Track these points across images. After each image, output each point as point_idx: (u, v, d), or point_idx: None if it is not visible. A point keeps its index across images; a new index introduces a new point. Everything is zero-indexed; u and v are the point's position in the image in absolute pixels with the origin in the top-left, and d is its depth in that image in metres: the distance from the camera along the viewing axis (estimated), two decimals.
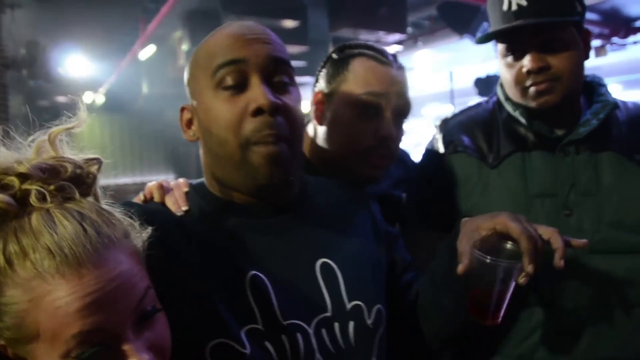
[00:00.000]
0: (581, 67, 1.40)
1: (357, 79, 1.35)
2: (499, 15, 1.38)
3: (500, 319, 1.03)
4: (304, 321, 0.98)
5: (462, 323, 1.15)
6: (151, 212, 0.99)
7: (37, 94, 8.84)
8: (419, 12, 6.84)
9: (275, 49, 1.02)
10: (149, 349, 0.75)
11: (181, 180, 1.13)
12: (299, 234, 1.06)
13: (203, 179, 1.11)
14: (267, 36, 1.02)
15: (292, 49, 7.01)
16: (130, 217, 0.84)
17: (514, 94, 1.42)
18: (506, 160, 1.45)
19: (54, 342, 0.70)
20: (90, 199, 0.83)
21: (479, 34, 5.82)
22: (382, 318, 1.08)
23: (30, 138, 0.83)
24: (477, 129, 1.52)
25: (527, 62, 1.34)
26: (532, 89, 1.36)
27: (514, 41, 1.37)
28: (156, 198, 1.08)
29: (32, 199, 0.75)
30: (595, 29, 7.26)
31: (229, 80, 0.98)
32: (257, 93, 0.97)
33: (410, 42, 7.61)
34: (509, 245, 1.03)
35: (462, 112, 1.62)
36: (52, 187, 0.77)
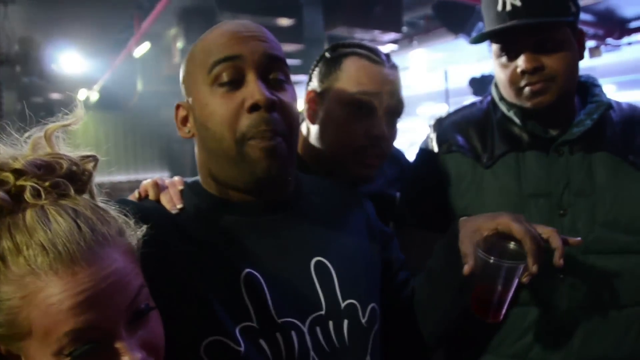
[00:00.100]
0: (575, 67, 1.41)
1: (350, 78, 1.35)
2: (493, 15, 1.38)
3: (502, 316, 1.06)
4: (299, 319, 0.98)
5: (458, 320, 1.16)
6: (146, 210, 0.99)
7: (30, 90, 8.79)
8: (414, 12, 6.84)
9: (272, 46, 1.02)
10: (142, 347, 0.75)
11: (176, 178, 1.13)
12: (293, 232, 1.06)
13: (198, 177, 1.11)
14: (263, 34, 1.03)
15: (287, 47, 7.01)
16: (125, 215, 0.84)
17: (508, 94, 1.43)
18: (500, 160, 1.45)
19: (47, 340, 0.70)
20: (86, 196, 0.83)
21: (474, 34, 5.84)
22: (376, 317, 1.08)
23: (26, 134, 0.83)
24: (472, 129, 1.52)
25: (521, 62, 1.35)
26: (526, 89, 1.36)
27: (509, 41, 1.37)
28: (151, 196, 1.08)
29: (27, 195, 0.74)
30: (589, 30, 7.29)
31: (225, 77, 0.98)
32: (254, 89, 0.97)
33: (406, 41, 7.61)
34: (511, 245, 1.05)
35: (456, 111, 1.62)
36: (47, 184, 0.76)
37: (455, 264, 1.08)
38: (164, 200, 1.06)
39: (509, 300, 1.05)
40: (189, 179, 1.13)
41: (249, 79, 0.98)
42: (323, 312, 1.01)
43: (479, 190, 1.45)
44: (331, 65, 1.39)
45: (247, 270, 0.97)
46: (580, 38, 1.41)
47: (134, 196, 1.11)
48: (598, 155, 1.40)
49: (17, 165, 0.76)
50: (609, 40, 7.66)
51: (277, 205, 1.07)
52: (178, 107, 1.08)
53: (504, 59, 1.39)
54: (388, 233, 1.28)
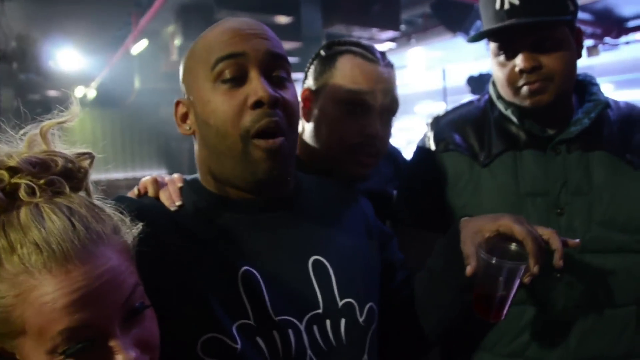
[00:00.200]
0: (574, 66, 1.40)
1: (344, 76, 1.35)
2: (491, 14, 1.38)
3: (503, 316, 1.07)
4: (296, 317, 0.98)
5: (458, 319, 1.16)
6: (144, 206, 1.00)
7: (27, 87, 8.77)
8: (413, 10, 6.83)
9: (274, 44, 1.03)
10: (137, 346, 0.75)
11: (176, 175, 1.13)
12: (292, 230, 1.06)
13: (197, 175, 1.11)
14: (265, 32, 1.03)
15: (286, 45, 6.96)
16: (121, 213, 0.83)
17: (506, 93, 1.42)
18: (498, 159, 1.45)
19: (41, 338, 0.69)
20: (82, 193, 0.82)
21: (472, 32, 5.85)
22: (374, 316, 1.09)
23: (22, 131, 0.82)
24: (469, 128, 1.52)
25: (519, 61, 1.34)
26: (524, 89, 1.36)
27: (507, 40, 1.37)
28: (150, 193, 1.08)
29: (22, 193, 0.74)
30: (587, 29, 7.29)
31: (228, 74, 0.98)
32: (257, 86, 0.97)
33: (404, 39, 7.61)
34: (513, 246, 1.06)
35: (453, 110, 1.62)
36: (42, 182, 0.76)
37: (456, 264, 1.08)
38: (163, 197, 1.06)
39: (510, 301, 1.06)
40: (189, 177, 1.13)
41: (252, 77, 0.99)
42: (320, 311, 1.01)
43: (476, 189, 1.45)
44: (326, 63, 1.39)
45: (245, 267, 0.97)
46: (578, 37, 1.41)
47: (133, 193, 1.11)
48: (595, 154, 1.40)
49: (12, 162, 0.76)
50: (607, 39, 7.66)
51: (276, 203, 1.07)
52: (178, 103, 1.08)
53: (501, 57, 1.39)
54: (387, 233, 1.28)
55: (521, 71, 1.35)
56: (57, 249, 0.70)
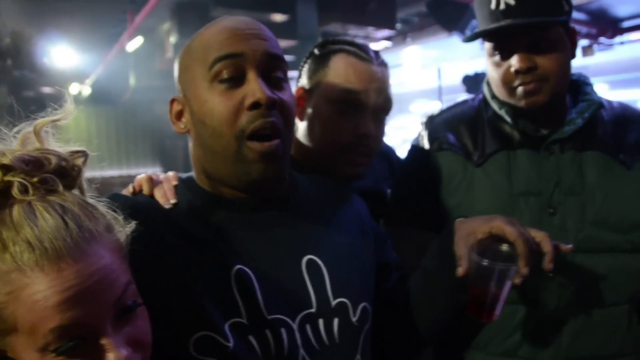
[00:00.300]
0: (568, 66, 1.41)
1: (337, 75, 1.35)
2: (486, 13, 1.38)
3: (495, 316, 1.08)
4: (289, 316, 0.98)
5: (452, 318, 1.17)
6: (139, 204, 1.00)
7: (22, 84, 8.74)
8: (408, 8, 6.84)
9: (272, 45, 1.03)
10: (129, 344, 0.75)
11: (171, 173, 1.13)
12: (286, 230, 1.06)
13: (192, 173, 1.11)
14: (263, 32, 1.03)
15: (281, 43, 6.94)
16: (114, 211, 0.83)
17: (501, 93, 1.42)
18: (491, 158, 1.45)
19: (32, 336, 0.69)
20: (76, 191, 0.82)
21: (467, 32, 5.86)
22: (367, 316, 1.09)
23: (16, 129, 0.82)
24: (463, 127, 1.52)
25: (515, 62, 1.34)
26: (520, 89, 1.36)
27: (502, 40, 1.37)
28: (145, 190, 1.08)
29: (14, 191, 0.74)
30: (583, 29, 7.31)
31: (226, 74, 0.98)
32: (255, 87, 0.97)
33: (399, 38, 7.61)
34: (504, 247, 1.07)
35: (448, 109, 1.62)
36: (35, 180, 0.76)
37: (450, 265, 1.09)
38: (158, 195, 1.06)
39: (502, 301, 1.07)
40: (184, 175, 1.13)
41: (250, 77, 0.98)
42: (313, 310, 1.01)
43: (469, 189, 1.46)
44: (319, 62, 1.39)
45: (238, 266, 0.97)
46: (573, 36, 1.41)
47: (127, 191, 1.11)
48: (589, 154, 1.40)
49: (5, 160, 0.75)
50: (602, 39, 7.69)
51: (270, 202, 1.07)
52: (173, 101, 1.07)
53: (496, 57, 1.39)
54: (382, 233, 1.28)
55: (517, 72, 1.35)
56: (50, 247, 0.70)
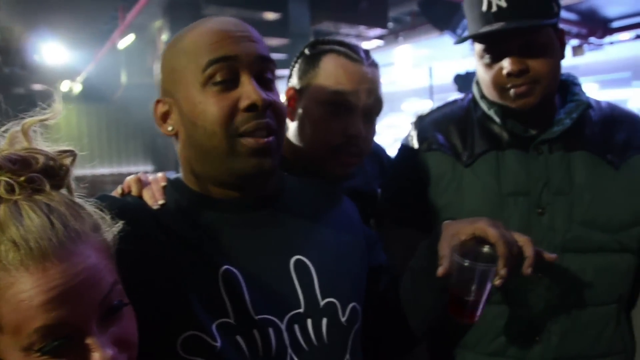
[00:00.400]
0: (559, 68, 1.41)
1: (327, 76, 1.35)
2: (477, 15, 1.37)
3: (477, 317, 1.08)
4: (276, 316, 0.99)
5: (441, 318, 1.17)
6: (127, 205, 1.00)
7: (12, 81, 8.69)
8: (400, 8, 6.86)
9: (262, 47, 1.04)
10: (114, 344, 0.75)
11: (160, 174, 1.13)
12: (274, 230, 1.06)
13: (180, 174, 1.11)
14: (253, 34, 1.04)
15: (273, 41, 6.99)
16: (102, 211, 0.83)
17: (491, 94, 1.42)
18: (480, 158, 1.45)
19: (17, 335, 0.69)
20: (64, 191, 0.82)
21: (459, 31, 5.87)
22: (357, 316, 1.09)
23: (3, 128, 0.82)
24: (452, 127, 1.52)
25: (507, 64, 1.34)
26: (511, 91, 1.36)
27: (494, 43, 1.37)
28: (134, 191, 1.08)
29: (0, 191, 0.73)
30: (573, 29, 7.36)
31: (220, 76, 0.98)
32: (250, 90, 0.98)
33: (391, 37, 7.63)
34: (485, 248, 1.08)
35: (437, 109, 1.62)
36: (21, 179, 0.75)
37: (436, 266, 1.09)
38: (146, 195, 1.06)
39: (483, 302, 1.07)
40: (172, 176, 1.13)
41: (244, 80, 0.99)
42: (302, 310, 1.01)
43: (458, 189, 1.46)
44: (310, 63, 1.38)
45: (226, 266, 0.98)
46: (562, 37, 1.41)
47: (116, 192, 1.11)
48: (577, 154, 1.41)
49: None
50: (592, 39, 7.74)
51: (259, 202, 1.07)
52: (158, 103, 1.07)
53: (487, 59, 1.39)
54: (372, 236, 1.29)
55: (508, 74, 1.34)
56: (35, 246, 0.69)
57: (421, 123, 1.58)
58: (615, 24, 7.65)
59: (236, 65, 0.99)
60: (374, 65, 1.40)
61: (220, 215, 1.04)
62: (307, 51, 1.42)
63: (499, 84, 1.38)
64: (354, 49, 1.38)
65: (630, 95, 10.22)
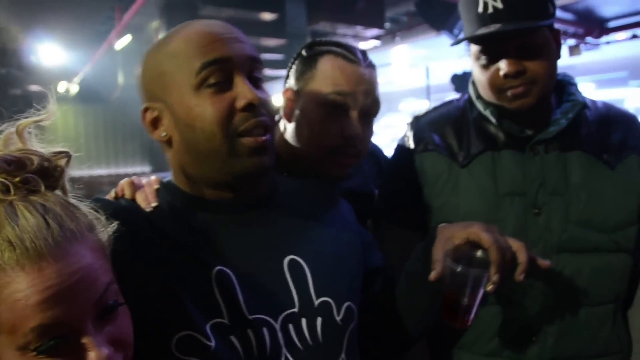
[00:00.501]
0: (555, 68, 1.41)
1: (325, 77, 1.34)
2: (473, 16, 1.37)
3: (470, 322, 1.07)
4: (271, 316, 0.99)
5: (436, 320, 1.17)
6: (120, 207, 1.00)
7: (8, 82, 8.67)
8: (397, 8, 6.87)
9: (250, 47, 1.05)
10: (110, 343, 0.75)
11: (153, 177, 1.14)
12: (267, 230, 1.07)
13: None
14: (240, 35, 1.04)
15: (270, 41, 7.00)
16: (97, 211, 0.83)
17: (488, 95, 1.42)
18: (476, 159, 1.45)
19: (13, 335, 0.69)
20: (58, 192, 0.82)
21: (456, 31, 5.88)
22: (352, 315, 1.09)
23: None
24: (448, 127, 1.52)
25: (504, 65, 1.34)
26: (508, 92, 1.36)
27: (490, 44, 1.36)
28: (127, 194, 1.08)
29: None
30: (570, 29, 7.37)
31: (214, 78, 0.99)
32: (246, 90, 0.99)
33: (388, 37, 7.64)
34: (479, 253, 1.07)
35: (433, 109, 1.62)
36: (16, 180, 0.76)
37: (430, 270, 1.09)
38: (140, 198, 1.06)
39: (476, 307, 1.06)
40: (165, 179, 1.13)
41: (238, 80, 1.00)
42: (296, 310, 1.01)
43: (454, 189, 1.46)
44: (307, 64, 1.38)
45: (218, 267, 0.98)
46: (557, 37, 1.41)
47: (110, 195, 1.11)
48: (573, 154, 1.41)
49: None
50: (589, 39, 7.75)
51: (253, 203, 1.08)
52: (146, 109, 1.06)
53: (483, 60, 1.38)
54: (368, 237, 1.29)
55: (505, 75, 1.34)
56: (31, 246, 0.70)
57: (417, 123, 1.58)
58: (612, 24, 7.67)
59: (229, 66, 0.99)
60: (371, 66, 1.39)
61: (213, 217, 1.04)
62: (304, 52, 1.42)
63: (496, 85, 1.37)
64: (352, 50, 1.38)
65: (626, 94, 10.25)
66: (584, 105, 1.45)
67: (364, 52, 1.40)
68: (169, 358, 0.91)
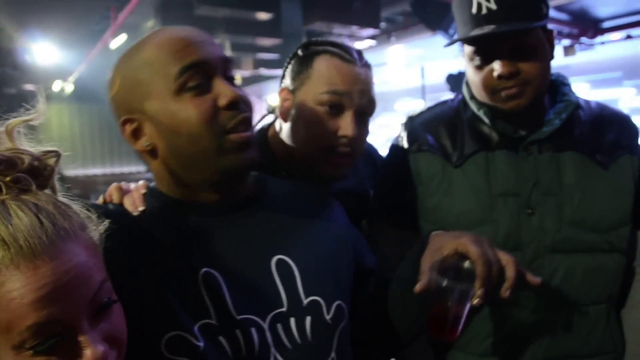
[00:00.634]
0: (549, 69, 1.41)
1: (321, 76, 1.35)
2: (467, 18, 1.36)
3: (457, 336, 1.05)
4: (259, 316, 0.99)
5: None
6: (108, 211, 1.01)
7: (3, 81, 8.64)
8: (393, 8, 6.87)
9: (221, 49, 1.07)
10: (105, 340, 0.75)
11: (141, 182, 1.15)
12: (255, 231, 1.07)
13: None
14: (210, 38, 1.06)
15: (266, 41, 6.99)
16: (88, 210, 0.84)
17: (482, 95, 1.42)
18: (470, 159, 1.45)
19: (8, 334, 0.69)
20: (48, 191, 0.82)
21: (451, 31, 5.88)
22: (342, 314, 1.09)
23: None
24: (442, 128, 1.52)
25: (498, 67, 1.33)
26: (502, 93, 1.36)
27: (484, 45, 1.36)
28: (115, 199, 1.09)
29: None
30: (564, 29, 7.39)
31: (194, 81, 0.99)
32: (226, 89, 1.01)
33: (384, 37, 7.64)
34: (466, 264, 1.05)
35: (427, 110, 1.62)
36: (8, 179, 0.75)
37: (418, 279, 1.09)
38: (127, 203, 1.07)
39: (463, 321, 1.04)
40: (153, 183, 1.13)
41: (216, 81, 1.01)
42: (284, 309, 1.02)
43: (448, 190, 1.46)
44: (303, 64, 1.39)
45: (205, 269, 0.99)
46: (550, 38, 1.41)
47: (99, 201, 1.13)
48: (566, 154, 1.41)
49: None
50: (583, 39, 7.77)
51: (240, 204, 1.08)
52: (125, 122, 1.06)
53: (477, 61, 1.38)
54: (361, 238, 1.29)
55: (499, 77, 1.34)
56: (25, 245, 0.70)
57: (411, 124, 1.58)
58: (606, 24, 7.69)
59: (206, 69, 1.01)
60: (367, 66, 1.40)
61: (200, 219, 1.04)
62: (300, 52, 1.43)
63: (490, 86, 1.37)
64: (347, 49, 1.38)
65: (621, 94, 10.29)
66: (577, 105, 1.46)
67: (359, 52, 1.40)
68: (159, 358, 0.92)
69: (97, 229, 0.83)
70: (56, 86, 11.17)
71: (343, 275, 1.15)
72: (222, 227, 1.05)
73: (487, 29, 1.31)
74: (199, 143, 0.99)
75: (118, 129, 1.09)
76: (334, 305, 1.07)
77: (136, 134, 1.05)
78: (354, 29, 6.20)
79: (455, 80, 7.66)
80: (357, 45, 7.17)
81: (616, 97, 10.05)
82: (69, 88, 11.39)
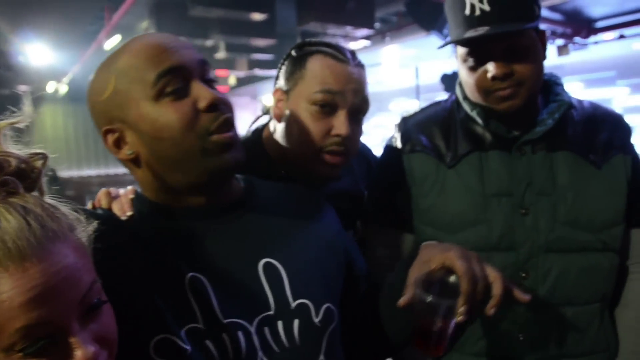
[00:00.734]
0: (542, 69, 1.41)
1: (314, 76, 1.35)
2: (460, 19, 1.36)
3: (442, 351, 1.03)
4: (246, 320, 0.99)
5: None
6: (96, 215, 1.00)
7: None
8: (387, 8, 6.87)
9: (196, 52, 1.06)
10: (96, 341, 0.75)
11: (129, 187, 1.14)
12: (242, 234, 1.07)
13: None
14: (185, 42, 1.06)
15: (260, 42, 6.99)
16: (76, 212, 0.83)
17: (475, 96, 1.42)
18: (463, 159, 1.46)
19: None
20: (35, 193, 0.82)
21: (445, 31, 5.90)
22: (332, 316, 1.08)
23: None
24: (435, 128, 1.52)
25: (491, 68, 1.34)
26: (496, 94, 1.36)
27: (478, 47, 1.36)
28: (103, 204, 1.09)
29: None
30: (558, 29, 7.41)
31: (172, 86, 0.99)
32: (204, 91, 1.00)
33: (378, 37, 7.64)
34: (452, 278, 1.03)
35: (421, 110, 1.62)
36: None
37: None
38: (116, 207, 1.07)
39: (448, 336, 1.02)
40: (139, 189, 1.13)
41: (194, 85, 1.01)
42: (272, 312, 1.01)
43: (442, 190, 1.46)
44: (297, 64, 1.39)
45: (191, 274, 0.99)
46: (543, 38, 1.41)
47: (88, 206, 1.13)
48: (559, 154, 1.41)
49: None
50: (577, 39, 7.79)
51: (227, 207, 1.08)
52: (106, 133, 1.05)
53: (471, 62, 1.38)
54: (353, 245, 1.29)
55: (493, 78, 1.34)
56: (13, 247, 0.69)
57: (405, 125, 1.58)
58: (600, 24, 7.71)
59: (183, 73, 1.00)
60: (361, 65, 1.40)
61: (186, 224, 1.04)
62: (294, 52, 1.43)
63: (484, 87, 1.38)
64: (341, 49, 1.38)
65: (614, 94, 10.33)
66: (570, 105, 1.46)
67: (352, 52, 1.40)
68: None
69: (85, 230, 0.82)
70: (50, 87, 11.13)
71: (333, 278, 1.15)
72: (209, 230, 1.04)
73: (481, 30, 1.31)
74: (181, 146, 0.99)
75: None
76: (323, 307, 1.07)
77: (118, 144, 1.05)
78: (349, 29, 6.20)
79: (450, 80, 7.67)
80: (352, 45, 7.18)
81: (610, 97, 10.08)
82: (63, 89, 11.35)
